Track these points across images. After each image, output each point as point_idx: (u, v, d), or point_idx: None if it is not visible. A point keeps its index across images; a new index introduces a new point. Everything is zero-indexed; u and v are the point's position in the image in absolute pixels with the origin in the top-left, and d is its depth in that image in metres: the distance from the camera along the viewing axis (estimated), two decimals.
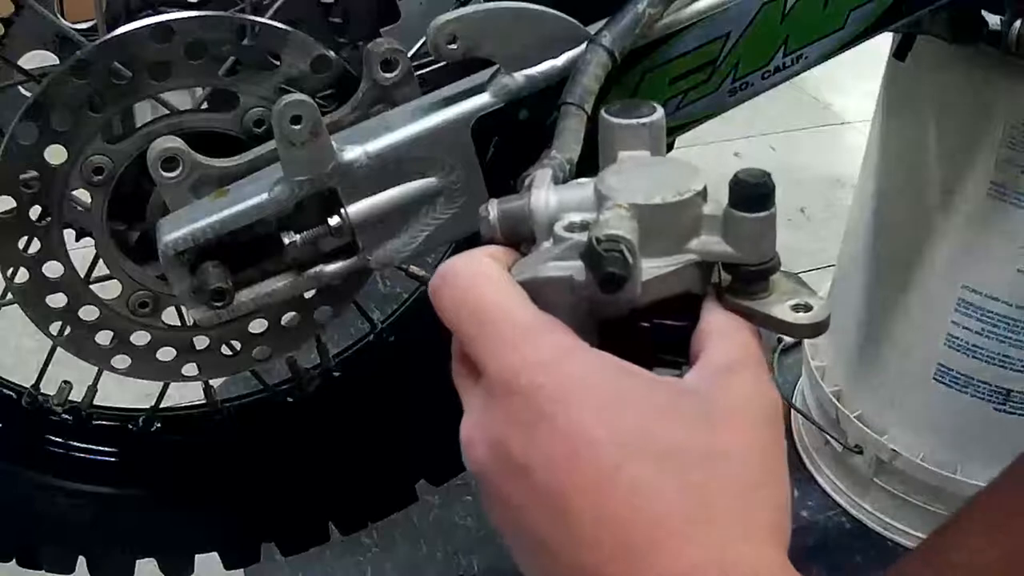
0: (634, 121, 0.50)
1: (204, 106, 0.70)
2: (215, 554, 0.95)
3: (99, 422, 0.88)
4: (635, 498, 0.39)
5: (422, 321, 0.89)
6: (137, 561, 0.93)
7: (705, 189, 0.45)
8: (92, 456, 0.88)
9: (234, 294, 0.64)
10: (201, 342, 0.75)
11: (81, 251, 0.72)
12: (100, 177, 0.67)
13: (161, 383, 0.84)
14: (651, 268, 0.44)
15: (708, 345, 0.44)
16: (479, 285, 0.45)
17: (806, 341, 1.33)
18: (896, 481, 1.20)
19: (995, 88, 0.98)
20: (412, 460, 0.95)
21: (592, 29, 0.62)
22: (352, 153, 0.62)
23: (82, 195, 0.69)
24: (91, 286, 0.72)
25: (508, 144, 0.64)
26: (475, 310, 0.45)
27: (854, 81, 1.95)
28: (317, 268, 0.66)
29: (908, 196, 1.11)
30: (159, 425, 0.89)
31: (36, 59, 0.79)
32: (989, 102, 0.98)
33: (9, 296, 0.72)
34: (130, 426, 0.88)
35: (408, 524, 1.22)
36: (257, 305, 0.67)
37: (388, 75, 0.64)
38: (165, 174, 0.63)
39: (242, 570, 1.02)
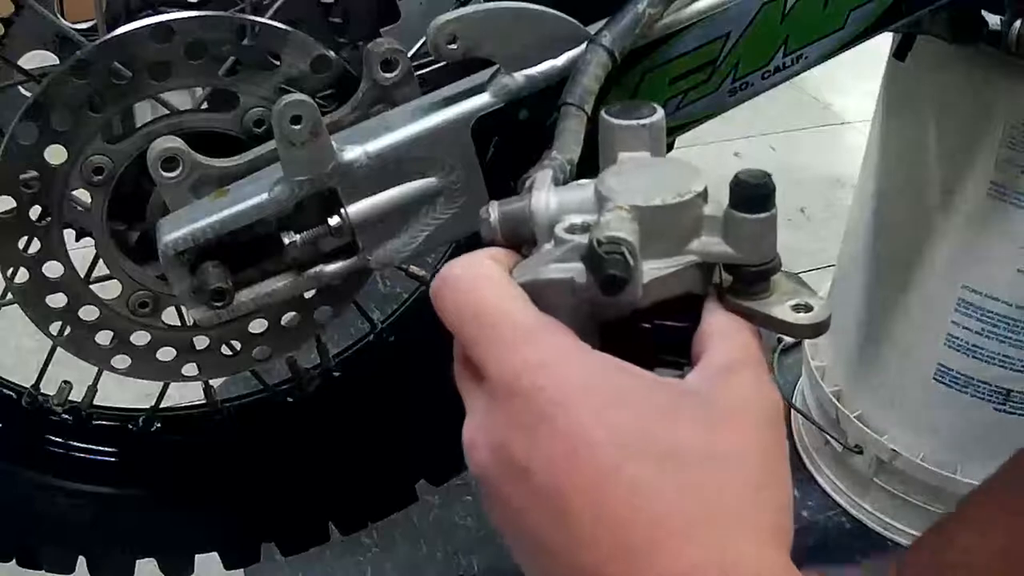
0: (634, 122, 0.50)
1: (204, 106, 0.70)
2: (215, 554, 0.95)
3: (99, 422, 0.88)
4: (634, 498, 0.39)
5: (422, 321, 0.89)
6: (137, 561, 0.93)
7: (706, 190, 0.45)
8: (92, 456, 0.88)
9: (234, 294, 0.64)
10: (201, 342, 0.75)
11: (81, 251, 0.72)
12: (100, 177, 0.67)
13: (161, 383, 0.84)
14: (652, 269, 0.44)
15: (709, 346, 0.44)
16: (480, 287, 0.45)
17: (806, 341, 1.34)
18: (896, 481, 1.20)
19: (995, 88, 0.98)
20: (412, 460, 0.95)
21: (592, 29, 0.62)
22: (352, 153, 0.62)
23: (82, 195, 0.69)
24: (91, 286, 0.72)
25: (508, 144, 0.64)
26: (476, 312, 0.45)
27: (854, 81, 1.95)
28: (317, 268, 0.66)
29: (908, 196, 1.11)
30: (159, 425, 0.89)
31: (36, 59, 0.79)
32: (989, 102, 0.98)
33: (9, 296, 0.72)
34: (130, 426, 0.88)
35: (408, 524, 1.22)
36: (257, 305, 0.67)
37: (388, 75, 0.64)
38: (165, 174, 0.63)
39: (242, 570, 1.02)
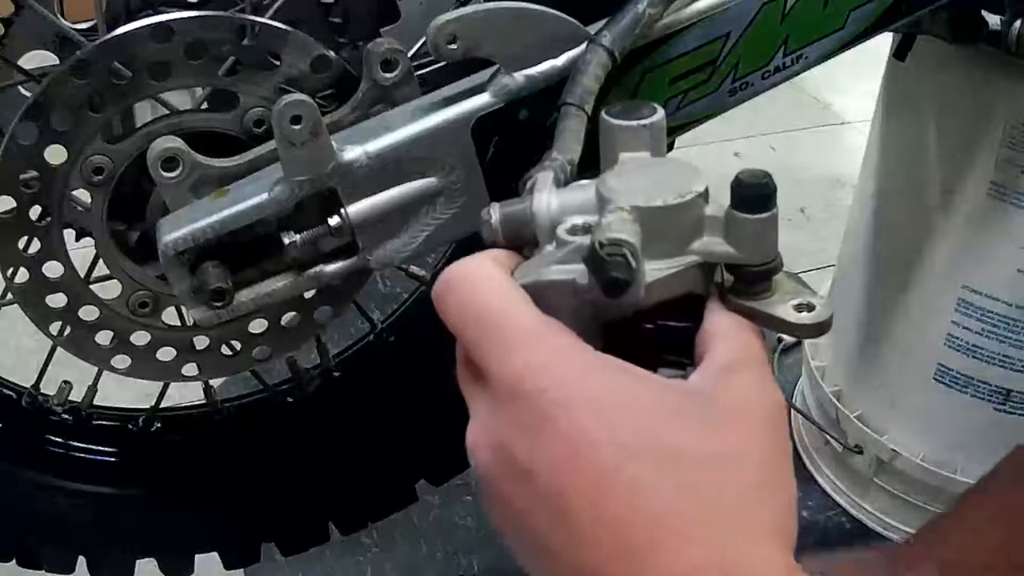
0: (635, 122, 0.50)
1: (204, 106, 0.70)
2: (215, 554, 0.95)
3: (99, 422, 0.88)
4: (634, 498, 0.39)
5: (422, 321, 0.89)
6: (137, 561, 0.93)
7: (707, 190, 0.45)
8: (92, 456, 0.88)
9: (234, 294, 0.64)
10: (201, 342, 0.75)
11: (81, 251, 0.72)
12: (100, 177, 0.67)
13: (161, 383, 0.84)
14: (654, 270, 0.44)
15: (711, 346, 0.45)
16: (482, 290, 0.45)
17: (806, 341, 1.34)
18: (896, 481, 1.20)
19: (995, 88, 0.98)
20: (412, 460, 0.95)
21: (592, 29, 0.62)
22: (352, 153, 0.62)
23: (82, 195, 0.69)
24: (91, 286, 0.72)
25: (508, 144, 0.64)
26: (478, 315, 0.45)
27: (854, 81, 1.95)
28: (317, 268, 0.66)
29: (908, 196, 1.11)
30: (159, 425, 0.89)
31: (36, 59, 0.79)
32: (989, 102, 0.98)
33: (9, 296, 0.72)
34: (130, 426, 0.88)
35: (408, 524, 1.22)
36: (257, 305, 0.67)
37: (388, 75, 0.64)
38: (165, 174, 0.63)
39: (242, 570, 1.02)
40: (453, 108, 0.63)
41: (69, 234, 0.71)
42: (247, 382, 0.94)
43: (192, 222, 0.63)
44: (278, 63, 0.66)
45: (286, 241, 0.64)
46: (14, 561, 0.89)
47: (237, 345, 0.75)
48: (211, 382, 0.86)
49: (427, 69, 0.67)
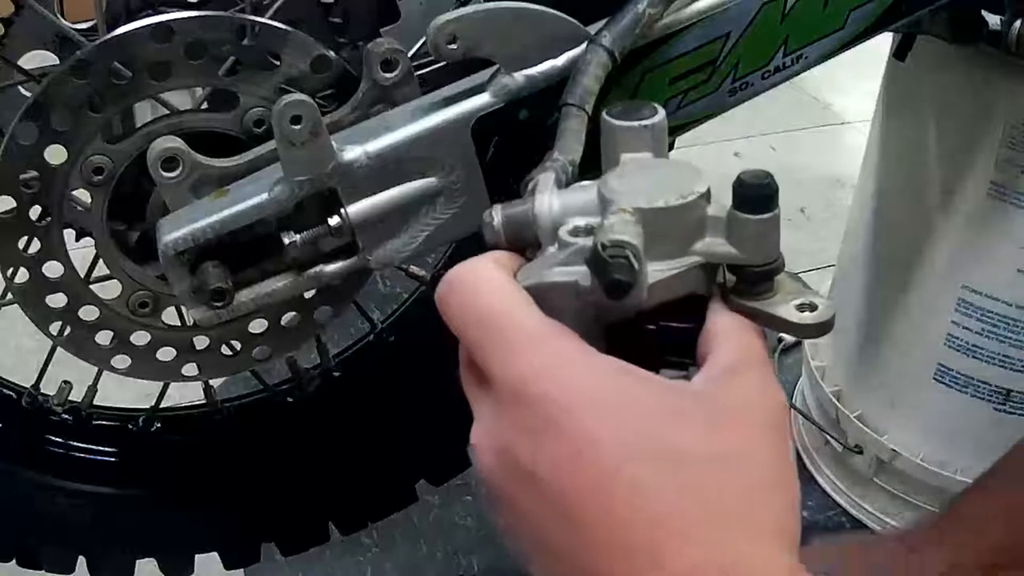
0: (636, 123, 0.50)
1: (204, 106, 0.70)
2: (215, 554, 0.95)
3: (99, 422, 0.88)
4: (635, 498, 0.39)
5: (422, 321, 0.89)
6: (137, 561, 0.93)
7: (709, 191, 0.45)
8: (92, 456, 0.88)
9: (234, 294, 0.64)
10: (201, 342, 0.75)
11: (81, 251, 0.72)
12: (100, 177, 0.67)
13: (161, 383, 0.84)
14: (656, 271, 0.44)
15: (714, 347, 0.45)
16: (484, 292, 0.45)
17: (806, 341, 1.34)
18: (896, 481, 1.20)
19: (995, 88, 0.98)
20: (412, 460, 0.95)
21: (592, 29, 0.62)
22: (352, 153, 0.62)
23: (82, 195, 0.69)
24: (91, 286, 0.72)
25: (508, 144, 0.64)
26: (481, 317, 0.45)
27: (854, 81, 1.94)
28: (317, 268, 0.66)
29: (908, 196, 1.11)
30: (159, 425, 0.89)
31: (36, 59, 0.79)
32: (989, 102, 0.98)
33: (9, 296, 0.72)
34: (130, 426, 0.88)
35: (408, 524, 1.22)
36: (257, 305, 0.67)
37: (388, 75, 0.64)
38: (165, 174, 0.63)
39: (242, 570, 1.02)
40: (453, 108, 0.63)
41: (69, 234, 0.71)
42: (247, 382, 0.94)
43: (192, 222, 0.63)
44: (278, 63, 0.66)
45: (286, 241, 0.64)
46: (14, 561, 0.89)
47: (237, 345, 0.75)
48: (211, 382, 0.86)
49: (427, 69, 0.67)
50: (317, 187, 0.62)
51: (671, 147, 0.69)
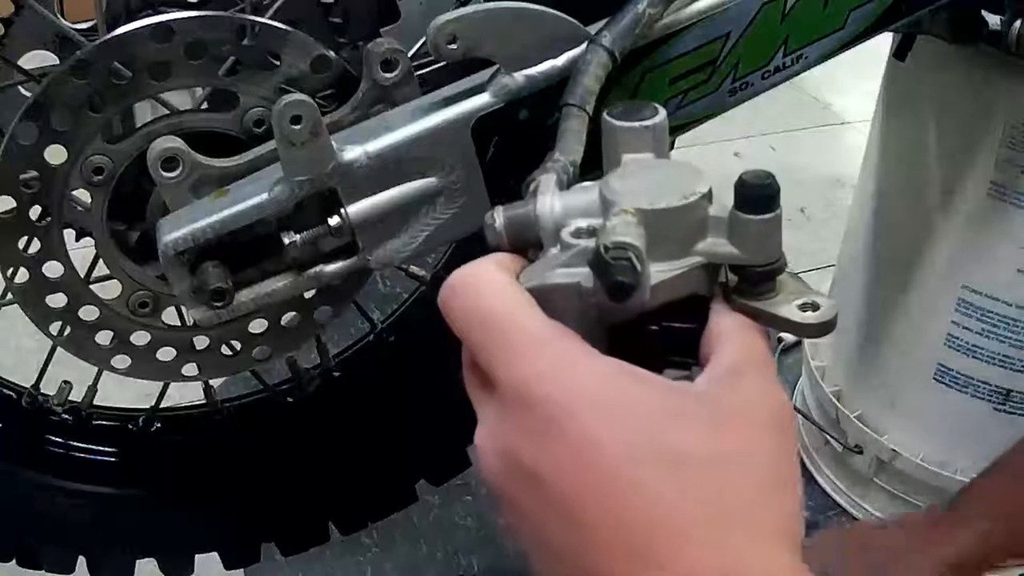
0: (637, 124, 0.50)
1: (204, 106, 0.70)
2: (215, 554, 0.95)
3: (99, 422, 0.88)
4: (636, 499, 0.39)
5: (422, 321, 0.89)
6: (137, 561, 0.93)
7: (710, 191, 0.45)
8: (92, 456, 0.88)
9: (234, 294, 0.64)
10: (201, 342, 0.75)
11: (81, 251, 0.72)
12: (100, 177, 0.67)
13: (161, 383, 0.84)
14: (659, 272, 0.44)
15: (717, 347, 0.45)
16: (487, 294, 0.45)
17: (806, 341, 1.34)
18: (896, 481, 1.20)
19: (995, 88, 0.98)
20: (412, 460, 0.95)
21: (592, 29, 0.62)
22: (352, 153, 0.62)
23: (82, 195, 0.69)
24: (91, 286, 0.72)
25: (508, 144, 0.64)
26: (484, 319, 0.45)
27: (854, 81, 1.95)
28: (317, 268, 0.66)
29: (908, 196, 1.11)
30: (159, 425, 0.89)
31: (36, 59, 0.79)
32: (989, 102, 0.98)
33: (9, 296, 0.72)
34: (130, 426, 0.88)
35: (408, 524, 1.22)
36: (257, 305, 0.67)
37: (388, 75, 0.64)
38: (165, 174, 0.63)
39: (242, 570, 1.02)
40: (453, 108, 0.63)
41: (69, 234, 0.71)
42: (247, 382, 0.94)
43: (192, 222, 0.63)
44: (278, 63, 0.66)
45: (286, 241, 0.64)
46: (14, 561, 0.89)
47: (237, 345, 0.75)
48: (211, 382, 0.86)
49: (427, 69, 0.67)
50: (317, 187, 0.62)
51: (671, 147, 0.69)
